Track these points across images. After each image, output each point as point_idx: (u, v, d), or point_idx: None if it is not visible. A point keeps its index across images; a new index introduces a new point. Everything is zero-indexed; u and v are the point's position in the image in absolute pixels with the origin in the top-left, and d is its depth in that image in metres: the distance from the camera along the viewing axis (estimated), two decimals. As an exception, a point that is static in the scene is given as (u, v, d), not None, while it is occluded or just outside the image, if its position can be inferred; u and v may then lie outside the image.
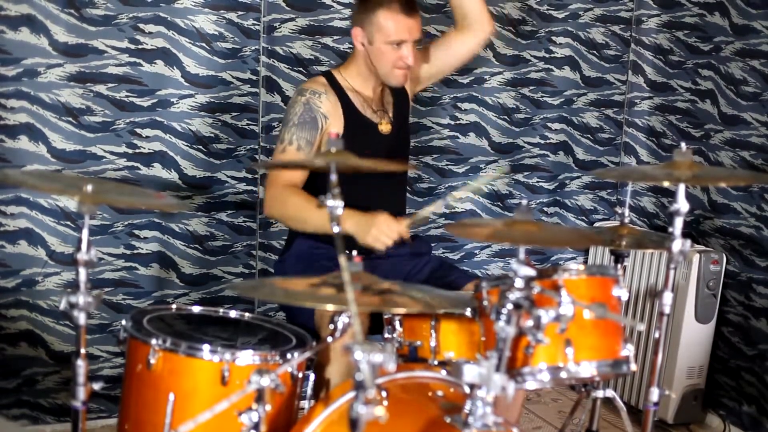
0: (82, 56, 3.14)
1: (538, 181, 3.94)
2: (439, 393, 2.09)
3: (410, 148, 3.19)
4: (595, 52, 3.93)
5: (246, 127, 3.39)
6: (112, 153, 3.23)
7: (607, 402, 2.65)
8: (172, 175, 3.32)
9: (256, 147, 3.42)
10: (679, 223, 2.14)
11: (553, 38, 3.85)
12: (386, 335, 2.32)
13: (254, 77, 3.38)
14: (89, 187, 1.92)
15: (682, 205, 2.13)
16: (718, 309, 3.49)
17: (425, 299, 2.09)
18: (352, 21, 2.88)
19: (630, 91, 4.00)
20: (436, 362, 2.24)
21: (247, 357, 2.11)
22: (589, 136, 4.00)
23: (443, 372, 2.16)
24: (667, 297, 2.21)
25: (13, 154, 3.10)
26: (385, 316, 2.33)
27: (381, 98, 2.93)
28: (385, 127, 2.88)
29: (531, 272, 1.81)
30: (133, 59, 3.20)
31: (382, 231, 2.54)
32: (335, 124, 2.77)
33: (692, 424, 3.57)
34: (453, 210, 3.76)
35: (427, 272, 2.87)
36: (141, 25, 3.19)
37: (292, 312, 2.73)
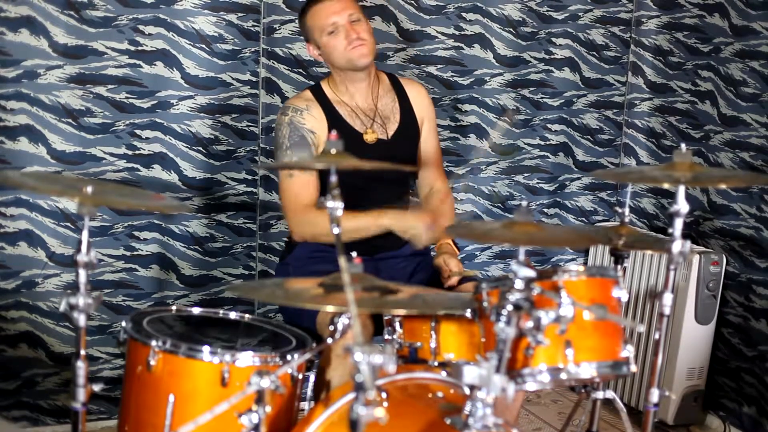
0: (82, 58, 3.14)
1: (538, 183, 3.94)
2: (439, 394, 2.09)
3: (413, 159, 2.99)
4: (594, 53, 3.94)
5: (246, 128, 3.40)
6: (111, 154, 3.24)
7: (607, 403, 2.64)
8: (172, 177, 3.32)
9: (256, 148, 3.42)
10: (679, 224, 2.14)
11: (553, 39, 3.85)
12: (386, 336, 2.32)
13: (254, 79, 3.38)
14: (89, 189, 1.92)
15: (682, 206, 2.13)
16: (718, 310, 3.49)
17: (425, 300, 2.10)
18: (306, 48, 2.92)
19: (630, 93, 4.00)
20: (436, 363, 2.24)
21: (247, 358, 2.11)
22: (589, 137, 4.01)
23: (443, 373, 2.16)
24: (667, 298, 2.21)
25: (13, 156, 3.10)
26: (385, 318, 2.33)
27: (375, 107, 2.89)
28: (370, 137, 2.84)
29: (531, 273, 1.81)
30: (132, 61, 3.20)
31: (425, 229, 2.63)
32: (323, 137, 2.75)
33: (692, 425, 3.57)
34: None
35: (427, 273, 2.87)
36: (141, 27, 3.19)
37: (291, 314, 2.73)
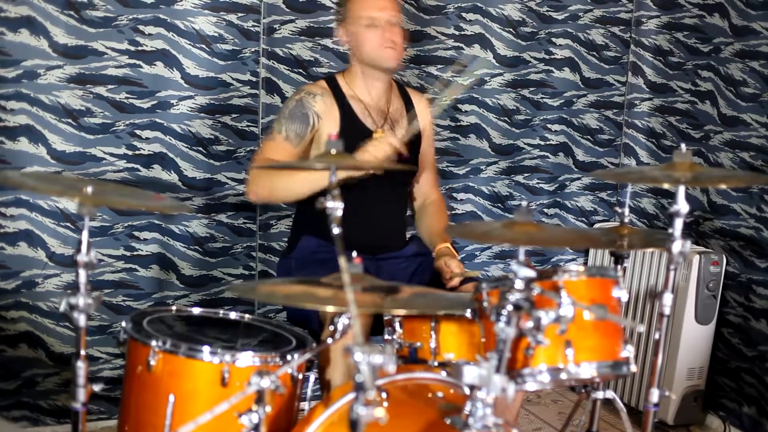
0: (82, 58, 3.14)
1: (538, 183, 3.94)
2: (439, 394, 2.09)
3: (415, 164, 3.00)
4: (594, 53, 3.94)
5: (246, 128, 3.40)
6: (111, 155, 3.24)
7: (607, 403, 2.65)
8: (172, 177, 3.32)
9: (256, 148, 3.41)
10: (679, 224, 2.14)
11: (553, 39, 3.85)
12: (386, 336, 2.32)
13: (254, 79, 3.38)
14: (89, 189, 1.92)
15: (682, 206, 2.13)
16: (718, 310, 3.49)
17: (425, 300, 2.10)
18: (335, 28, 2.91)
19: (630, 93, 4.00)
20: (436, 363, 2.24)
21: (247, 358, 2.11)
22: (589, 137, 4.01)
23: (443, 373, 2.16)
24: (667, 298, 2.21)
25: (13, 156, 3.10)
26: (385, 318, 2.33)
27: (386, 108, 2.91)
28: (379, 136, 2.86)
29: (531, 273, 1.81)
30: (132, 61, 3.21)
31: (374, 146, 2.62)
32: (330, 127, 2.74)
33: (692, 425, 3.57)
34: (453, 212, 3.76)
35: (428, 273, 2.87)
36: (141, 27, 3.19)
37: (295, 313, 2.73)
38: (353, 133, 2.74)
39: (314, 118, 2.79)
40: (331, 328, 2.08)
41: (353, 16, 2.82)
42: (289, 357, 2.14)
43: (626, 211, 2.55)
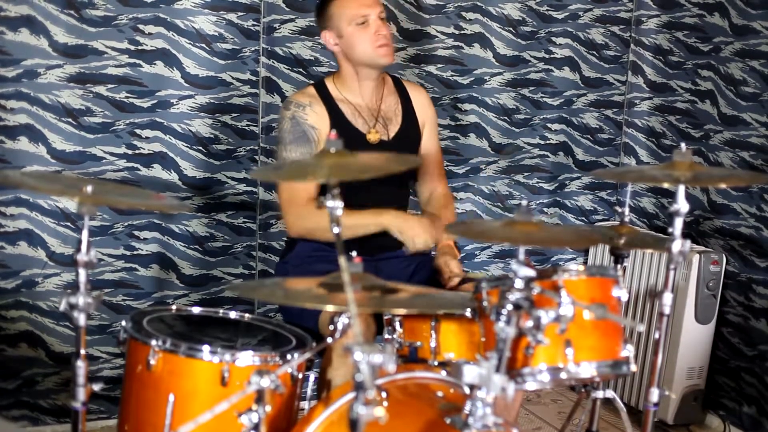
0: (82, 57, 3.14)
1: (538, 182, 3.94)
2: (439, 394, 2.09)
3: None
4: (594, 52, 3.93)
5: (246, 128, 3.40)
6: (111, 154, 3.24)
7: (607, 402, 2.65)
8: (172, 176, 3.32)
9: (256, 148, 3.42)
10: (679, 224, 2.14)
11: (553, 39, 3.85)
12: (386, 336, 2.32)
13: (254, 78, 3.38)
14: (89, 188, 1.92)
15: (681, 205, 2.13)
16: (717, 309, 3.49)
17: (426, 300, 2.10)
18: (318, 31, 2.88)
19: (630, 92, 4.00)
20: (436, 363, 2.24)
21: (247, 358, 2.11)
22: (588, 136, 4.01)
23: (443, 373, 2.16)
24: (667, 297, 2.21)
25: (13, 155, 3.10)
26: (386, 317, 2.33)
27: (378, 107, 2.90)
28: (373, 137, 2.84)
29: (531, 273, 1.81)
30: (132, 60, 3.20)
31: (422, 232, 2.64)
32: (324, 134, 2.73)
33: (692, 424, 3.57)
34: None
35: (427, 273, 2.87)
36: (141, 26, 3.19)
37: (292, 314, 2.73)
38: (344, 136, 2.71)
39: (311, 132, 2.77)
40: (331, 327, 2.08)
41: (342, 17, 2.78)
42: (289, 356, 2.14)
43: (626, 210, 2.55)
